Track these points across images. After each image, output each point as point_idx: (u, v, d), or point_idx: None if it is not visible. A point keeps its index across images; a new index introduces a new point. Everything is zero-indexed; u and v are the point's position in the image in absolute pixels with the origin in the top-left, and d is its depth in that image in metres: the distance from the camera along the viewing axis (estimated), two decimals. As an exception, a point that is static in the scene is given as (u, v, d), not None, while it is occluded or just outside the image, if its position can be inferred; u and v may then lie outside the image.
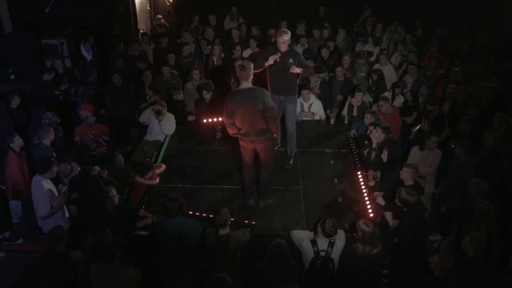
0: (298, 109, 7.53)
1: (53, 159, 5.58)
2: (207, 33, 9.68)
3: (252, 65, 5.03)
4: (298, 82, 6.34)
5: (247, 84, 4.98)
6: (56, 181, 5.54)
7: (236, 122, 5.08)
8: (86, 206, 5.26)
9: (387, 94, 7.87)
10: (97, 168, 5.39)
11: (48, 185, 5.34)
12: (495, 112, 6.43)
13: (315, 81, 8.05)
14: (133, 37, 9.90)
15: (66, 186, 5.51)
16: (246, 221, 5.18)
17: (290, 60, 5.67)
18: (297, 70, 5.66)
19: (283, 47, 5.63)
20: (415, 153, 6.13)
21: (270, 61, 5.64)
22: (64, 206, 5.52)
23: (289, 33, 5.65)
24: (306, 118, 7.60)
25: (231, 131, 5.24)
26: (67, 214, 5.58)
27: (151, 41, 9.96)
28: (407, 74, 8.22)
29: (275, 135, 5.33)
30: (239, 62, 5.19)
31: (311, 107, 7.62)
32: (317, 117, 7.68)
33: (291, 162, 6.27)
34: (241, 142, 5.28)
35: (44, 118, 6.40)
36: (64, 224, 5.36)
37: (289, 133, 6.19)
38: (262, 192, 5.54)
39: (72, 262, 4.46)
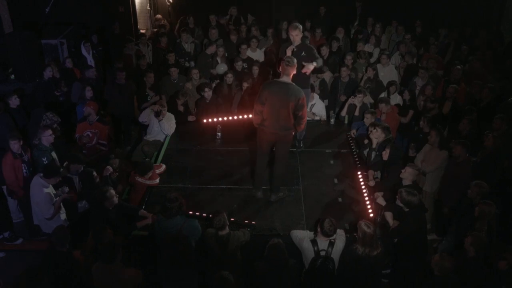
0: None
1: (61, 169, 5.62)
2: (210, 34, 9.69)
3: (295, 61, 5.19)
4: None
5: (287, 78, 5.14)
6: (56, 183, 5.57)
7: (264, 112, 5.19)
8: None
9: (383, 94, 7.86)
10: (110, 168, 5.51)
11: (47, 190, 5.36)
12: (494, 112, 6.43)
13: (313, 81, 8.04)
14: (128, 37, 9.91)
15: (66, 188, 5.52)
16: (246, 221, 5.18)
17: (303, 53, 5.81)
18: (310, 66, 5.75)
19: (296, 40, 5.83)
20: (424, 148, 6.17)
21: (288, 52, 5.78)
22: (63, 206, 5.54)
23: (301, 27, 5.86)
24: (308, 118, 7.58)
25: (256, 119, 5.32)
26: (62, 216, 5.58)
27: (149, 42, 9.98)
28: (417, 76, 8.16)
29: (293, 133, 5.47)
30: (284, 57, 5.34)
31: (313, 107, 7.61)
32: (317, 118, 7.67)
33: (301, 145, 6.52)
34: (261, 133, 5.37)
35: (45, 119, 6.41)
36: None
37: None
38: (274, 185, 5.60)
39: (74, 262, 4.46)
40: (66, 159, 5.89)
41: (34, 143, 5.99)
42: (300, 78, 5.79)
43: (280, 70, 5.23)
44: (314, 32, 9.95)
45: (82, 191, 5.72)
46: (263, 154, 5.50)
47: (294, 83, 5.16)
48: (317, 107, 7.64)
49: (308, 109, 7.60)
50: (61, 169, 5.62)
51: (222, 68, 8.50)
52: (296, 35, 5.84)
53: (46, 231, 5.54)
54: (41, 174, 5.43)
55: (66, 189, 5.49)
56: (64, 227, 4.71)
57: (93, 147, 6.82)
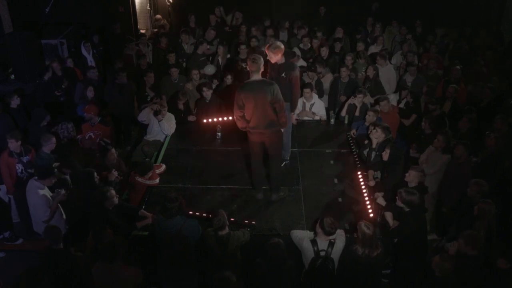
0: (300, 108, 7.56)
1: (55, 170, 5.60)
2: (208, 34, 9.68)
3: (262, 59, 5.11)
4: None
5: (257, 76, 5.08)
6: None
7: (246, 114, 5.18)
8: (86, 206, 5.27)
9: (393, 96, 7.85)
10: (115, 173, 5.60)
11: (43, 191, 5.36)
12: (494, 112, 6.43)
13: (310, 81, 8.06)
14: (129, 37, 9.91)
15: (63, 190, 5.51)
16: (246, 221, 5.18)
17: (283, 75, 5.59)
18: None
19: (277, 60, 5.50)
20: (428, 149, 6.13)
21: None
22: (61, 208, 5.53)
23: (282, 46, 5.47)
24: (306, 118, 7.60)
25: (240, 124, 5.32)
26: (64, 216, 5.58)
27: (149, 42, 9.98)
28: (407, 73, 8.23)
29: (282, 130, 5.43)
30: (250, 56, 5.26)
31: (313, 106, 7.62)
32: (317, 117, 7.67)
33: (282, 165, 6.12)
34: (249, 136, 5.36)
35: (63, 129, 6.41)
36: (62, 226, 5.37)
37: (284, 142, 5.97)
38: (273, 185, 5.59)
39: (74, 262, 4.45)
40: (58, 160, 5.88)
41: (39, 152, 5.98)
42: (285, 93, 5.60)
43: (249, 69, 5.15)
44: (315, 34, 9.95)
45: (73, 191, 5.69)
46: (256, 156, 5.49)
47: (266, 79, 5.13)
48: (316, 107, 7.64)
49: (308, 109, 7.63)
50: (55, 170, 5.61)
51: (209, 69, 8.50)
52: (275, 57, 5.40)
53: None
54: (36, 177, 5.43)
55: (62, 190, 5.47)
56: (55, 225, 4.71)
57: (98, 146, 6.80)
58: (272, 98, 5.04)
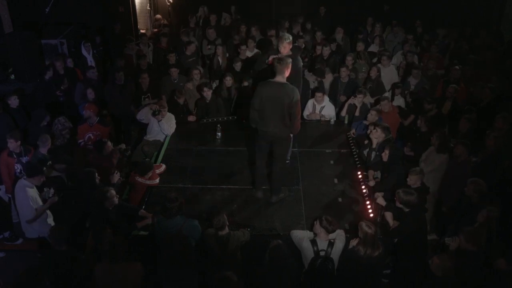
0: (310, 110, 7.57)
1: (44, 168, 5.56)
2: (208, 34, 9.69)
3: (290, 61, 5.08)
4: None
5: (281, 78, 5.06)
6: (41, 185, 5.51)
7: (260, 113, 5.17)
8: (86, 206, 5.26)
9: (387, 94, 7.86)
10: (117, 176, 5.61)
11: (32, 190, 5.32)
12: (494, 112, 6.42)
13: (313, 81, 8.05)
14: (129, 37, 9.92)
15: (52, 189, 5.47)
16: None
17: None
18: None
19: (285, 52, 5.56)
20: (429, 149, 6.12)
21: (270, 60, 5.63)
22: (48, 212, 5.50)
23: (290, 38, 5.59)
24: (314, 119, 7.59)
25: (252, 119, 5.29)
26: (50, 221, 5.51)
27: (150, 42, 9.98)
28: (411, 76, 8.18)
29: (291, 135, 5.42)
30: (278, 55, 5.25)
31: (323, 109, 7.60)
32: (326, 120, 7.62)
33: (288, 160, 6.22)
34: (258, 135, 5.36)
35: (56, 123, 6.38)
36: (47, 229, 5.30)
37: None
38: (274, 187, 5.59)
39: (74, 262, 4.46)
40: (50, 159, 5.88)
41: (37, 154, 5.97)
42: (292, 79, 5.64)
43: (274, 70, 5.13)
44: (315, 34, 9.95)
45: (73, 191, 5.68)
46: (262, 155, 5.50)
47: (288, 83, 5.11)
48: (326, 110, 7.61)
49: (318, 111, 7.61)
50: (45, 168, 5.56)
51: None
52: (284, 47, 5.51)
53: (30, 236, 5.54)
54: (25, 176, 5.40)
55: (51, 190, 5.43)
56: (62, 226, 4.70)
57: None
58: (290, 103, 5.00)
